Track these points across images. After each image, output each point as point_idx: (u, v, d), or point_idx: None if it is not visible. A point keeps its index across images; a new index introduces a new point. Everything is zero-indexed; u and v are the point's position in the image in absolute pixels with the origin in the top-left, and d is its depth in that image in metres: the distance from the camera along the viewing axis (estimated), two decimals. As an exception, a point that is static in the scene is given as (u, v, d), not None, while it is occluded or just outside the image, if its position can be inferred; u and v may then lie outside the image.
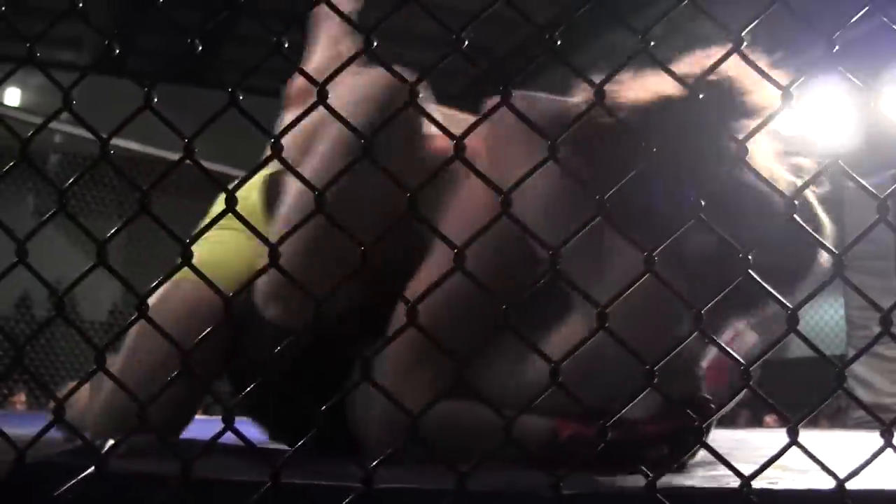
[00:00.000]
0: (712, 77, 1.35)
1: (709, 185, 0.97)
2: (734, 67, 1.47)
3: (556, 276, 0.96)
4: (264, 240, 1.07)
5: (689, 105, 1.32)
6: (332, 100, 1.03)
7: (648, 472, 0.96)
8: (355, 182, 1.29)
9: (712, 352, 1.66)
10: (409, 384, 1.46)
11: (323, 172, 1.59)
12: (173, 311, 1.76)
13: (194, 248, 1.70)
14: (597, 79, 1.05)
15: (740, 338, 1.67)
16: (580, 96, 1.56)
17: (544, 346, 1.00)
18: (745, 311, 1.61)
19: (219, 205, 2.06)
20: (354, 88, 1.68)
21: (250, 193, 1.97)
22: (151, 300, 1.86)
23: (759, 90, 1.53)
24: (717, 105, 1.46)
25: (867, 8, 1.02)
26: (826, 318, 8.25)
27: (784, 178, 1.61)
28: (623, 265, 1.30)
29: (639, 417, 1.46)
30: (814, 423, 6.61)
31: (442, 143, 1.72)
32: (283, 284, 1.62)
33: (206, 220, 2.07)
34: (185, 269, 1.10)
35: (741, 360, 0.99)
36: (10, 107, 8.66)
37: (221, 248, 1.89)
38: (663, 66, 1.02)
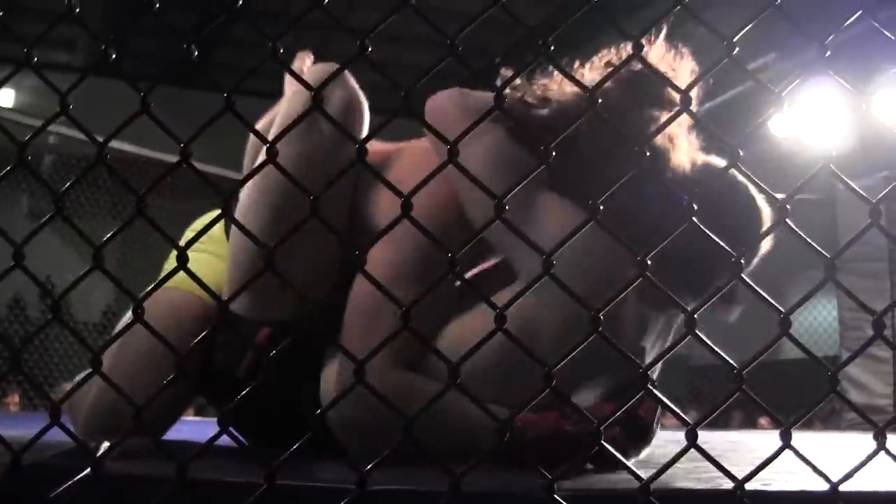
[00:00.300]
0: (635, 68, 1.50)
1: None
2: (656, 59, 1.57)
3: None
4: (255, 240, 1.08)
5: (609, 95, 1.40)
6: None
7: (640, 475, 0.96)
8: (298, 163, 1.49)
9: (653, 332, 1.69)
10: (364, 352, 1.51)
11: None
12: (160, 317, 1.78)
13: (167, 264, 1.69)
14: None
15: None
16: (517, 91, 1.69)
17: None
18: (697, 294, 1.62)
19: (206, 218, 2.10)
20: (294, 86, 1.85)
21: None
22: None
23: (675, 78, 1.62)
24: (634, 94, 1.58)
25: (860, 13, 1.02)
26: (819, 319, 8.25)
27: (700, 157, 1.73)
28: (547, 225, 1.50)
29: (588, 406, 1.48)
30: (808, 425, 6.62)
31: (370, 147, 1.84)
32: (247, 277, 1.67)
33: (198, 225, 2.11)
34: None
35: (733, 362, 0.99)
36: (4, 108, 8.62)
37: (194, 265, 1.92)
38: (657, 70, 1.02)
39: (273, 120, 1.88)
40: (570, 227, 0.98)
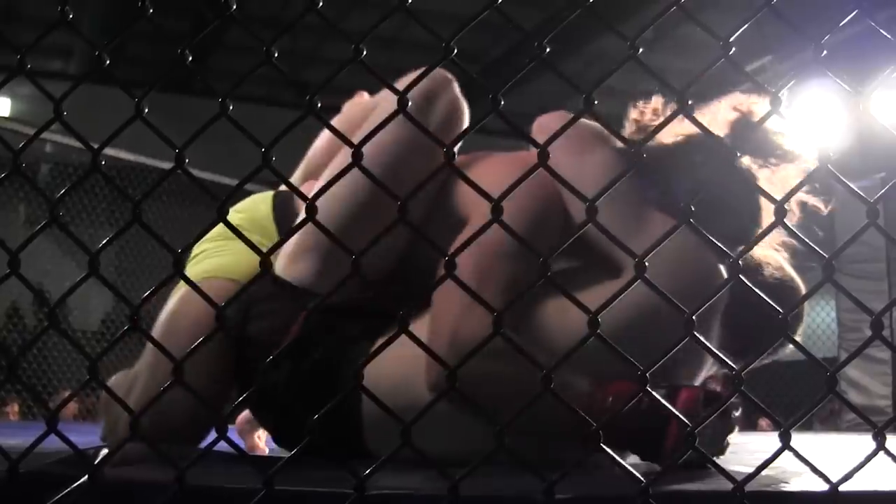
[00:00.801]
0: (751, 117, 1.71)
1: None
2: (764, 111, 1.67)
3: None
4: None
5: (713, 142, 1.44)
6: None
7: (640, 477, 0.96)
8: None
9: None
10: (473, 313, 1.55)
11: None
12: (202, 310, 1.80)
13: (211, 257, 1.68)
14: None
15: None
16: (629, 128, 1.85)
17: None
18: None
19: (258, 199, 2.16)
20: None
21: (258, 206, 2.09)
22: (174, 303, 1.89)
23: (790, 138, 1.78)
24: (752, 147, 1.71)
25: (855, 12, 1.02)
26: (818, 320, 8.23)
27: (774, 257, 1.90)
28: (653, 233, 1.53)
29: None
30: (807, 427, 6.62)
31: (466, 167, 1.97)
32: (318, 242, 1.79)
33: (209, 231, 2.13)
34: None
35: (732, 364, 0.99)
36: (0, 117, 8.63)
37: (234, 253, 1.92)
38: (652, 72, 1.02)
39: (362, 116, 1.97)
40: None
